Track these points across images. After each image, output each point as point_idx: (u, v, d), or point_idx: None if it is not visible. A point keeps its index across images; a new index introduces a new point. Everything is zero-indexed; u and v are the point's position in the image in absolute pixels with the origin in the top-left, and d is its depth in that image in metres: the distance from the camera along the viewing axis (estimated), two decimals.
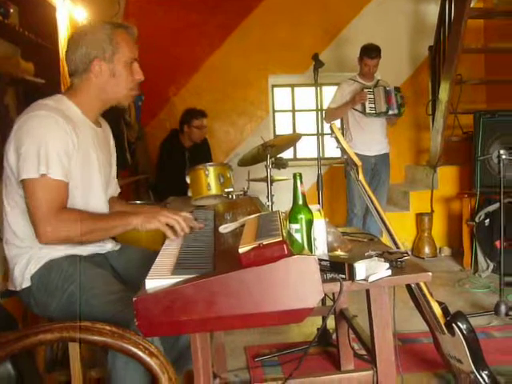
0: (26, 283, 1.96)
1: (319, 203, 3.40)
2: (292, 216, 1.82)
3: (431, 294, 2.29)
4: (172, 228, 1.96)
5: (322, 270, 1.64)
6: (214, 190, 3.92)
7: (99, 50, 2.00)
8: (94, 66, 2.01)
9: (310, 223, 1.83)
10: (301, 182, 1.86)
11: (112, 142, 2.34)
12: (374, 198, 2.15)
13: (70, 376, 2.09)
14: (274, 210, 4.11)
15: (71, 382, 2.08)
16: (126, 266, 2.21)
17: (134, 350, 1.46)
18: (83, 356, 2.10)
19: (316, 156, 3.62)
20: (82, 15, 3.94)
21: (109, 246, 2.19)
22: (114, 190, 2.40)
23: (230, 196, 3.74)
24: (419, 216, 5.54)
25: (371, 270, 1.70)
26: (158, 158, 5.28)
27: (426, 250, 5.46)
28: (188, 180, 3.99)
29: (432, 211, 5.44)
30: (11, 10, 2.90)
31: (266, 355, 3.08)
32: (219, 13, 6.25)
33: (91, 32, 2.02)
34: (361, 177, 2.13)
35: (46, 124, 1.90)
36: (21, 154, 1.87)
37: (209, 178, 3.91)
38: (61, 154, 1.90)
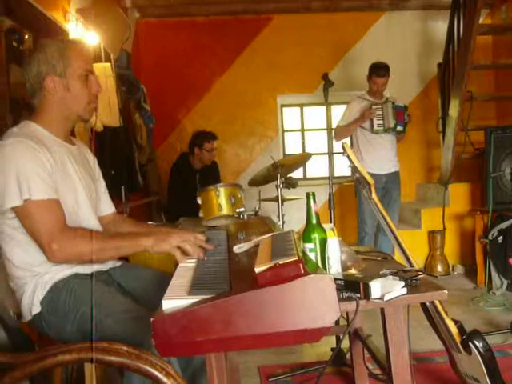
0: (36, 309, 1.95)
1: (331, 222, 3.39)
2: (306, 235, 1.83)
3: (446, 313, 2.28)
4: (183, 251, 1.93)
5: (337, 289, 1.64)
6: (225, 211, 3.93)
7: (50, 66, 1.98)
8: (48, 83, 1.99)
9: (323, 242, 1.83)
10: (314, 201, 1.87)
11: (92, 159, 2.32)
12: (387, 217, 2.15)
13: None
14: (285, 229, 4.12)
15: None
16: (133, 284, 2.19)
17: (151, 370, 1.46)
18: (98, 376, 2.11)
19: (325, 175, 3.64)
20: (94, 40, 4.00)
21: (110, 263, 2.17)
22: (109, 206, 2.37)
23: (242, 216, 3.75)
24: (431, 234, 5.52)
25: (386, 288, 1.70)
26: (168, 181, 5.31)
27: (439, 267, 5.43)
28: (199, 201, 4.01)
29: (444, 229, 5.41)
30: (26, 37, 2.95)
31: (280, 375, 3.07)
32: (228, 35, 6.34)
33: (40, 50, 2.00)
34: (374, 195, 2.13)
35: (17, 150, 1.88)
36: (0, 185, 1.86)
37: (220, 199, 3.93)
38: (41, 174, 1.88)
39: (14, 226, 1.93)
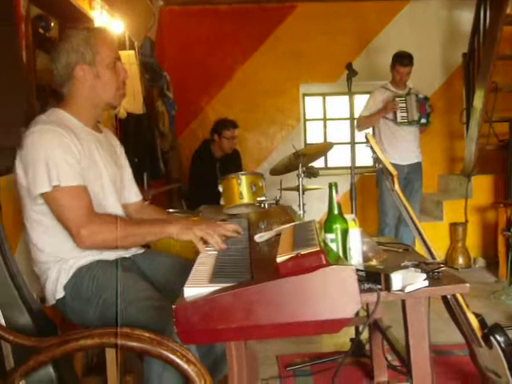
0: (60, 294, 1.99)
1: (352, 212, 3.38)
2: (327, 226, 1.82)
3: (467, 306, 2.26)
4: (206, 242, 1.94)
5: (358, 279, 1.64)
6: (246, 199, 3.94)
7: (79, 55, 2.01)
8: (78, 72, 2.02)
9: (345, 233, 1.83)
10: (336, 191, 1.86)
11: (118, 147, 2.35)
12: (409, 208, 2.13)
13: (105, 381, 2.13)
14: (306, 219, 4.12)
15: None
16: (155, 271, 2.21)
17: (172, 356, 1.48)
18: (119, 361, 2.14)
19: (347, 165, 3.61)
20: (119, 27, 4.02)
21: (133, 249, 2.20)
22: (135, 194, 2.40)
23: (262, 205, 3.76)
24: (453, 226, 5.47)
25: (408, 280, 1.70)
26: (190, 168, 5.33)
27: (460, 260, 5.39)
28: (220, 189, 4.02)
29: (466, 221, 5.36)
30: (52, 24, 2.97)
31: (298, 364, 3.08)
32: (251, 23, 6.32)
33: (68, 40, 2.03)
34: (396, 186, 2.12)
35: (46, 137, 1.92)
36: (29, 170, 1.90)
37: (241, 187, 3.93)
38: (69, 161, 1.91)
39: (43, 211, 1.96)
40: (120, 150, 2.35)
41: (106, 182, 2.10)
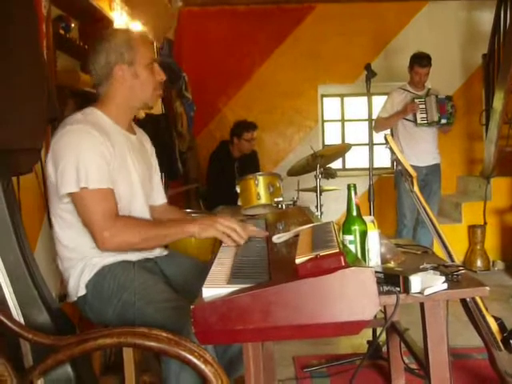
0: (82, 291, 2.01)
1: (370, 214, 3.37)
2: (346, 227, 1.81)
3: (487, 309, 2.24)
4: (229, 236, 1.96)
5: (377, 282, 1.63)
6: (263, 200, 3.93)
7: (118, 55, 2.02)
8: (117, 72, 2.03)
9: (363, 234, 1.82)
10: (355, 193, 1.85)
11: (151, 150, 2.36)
12: (429, 210, 2.12)
13: (122, 380, 2.14)
14: (323, 220, 4.11)
15: None
16: (175, 272, 2.22)
17: (190, 356, 1.48)
18: (136, 361, 2.15)
19: (365, 166, 3.60)
20: (139, 29, 4.04)
21: (157, 251, 2.21)
22: (162, 196, 2.41)
23: (280, 205, 3.75)
24: (472, 228, 5.42)
25: (427, 283, 1.68)
26: (208, 168, 5.35)
27: (479, 263, 5.34)
28: (238, 189, 4.02)
29: (485, 223, 5.31)
30: (72, 25, 3.00)
31: (315, 366, 3.08)
32: (269, 23, 6.31)
33: (107, 40, 2.04)
34: (415, 188, 2.10)
35: (80, 137, 1.94)
36: (59, 170, 1.92)
37: (258, 188, 3.93)
38: (99, 163, 1.93)
39: (68, 209, 1.98)
40: (151, 151, 2.37)
41: (135, 183, 2.12)
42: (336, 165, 5.59)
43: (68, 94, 3.09)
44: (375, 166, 6.08)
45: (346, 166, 6.74)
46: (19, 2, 2.29)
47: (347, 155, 6.04)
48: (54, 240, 2.08)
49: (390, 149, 2.15)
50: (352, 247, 1.79)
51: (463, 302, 2.31)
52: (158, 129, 4.56)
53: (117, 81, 2.05)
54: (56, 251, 2.08)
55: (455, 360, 3.03)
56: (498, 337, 2.23)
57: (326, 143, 6.76)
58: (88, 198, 1.91)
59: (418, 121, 4.75)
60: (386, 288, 1.66)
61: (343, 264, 1.32)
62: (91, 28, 3.45)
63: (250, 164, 5.19)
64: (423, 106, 4.75)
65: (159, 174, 2.41)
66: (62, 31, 2.93)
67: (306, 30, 6.35)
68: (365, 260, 1.80)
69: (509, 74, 5.02)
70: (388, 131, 5.10)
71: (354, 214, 1.83)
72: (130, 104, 2.12)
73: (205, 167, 5.54)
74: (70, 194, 1.92)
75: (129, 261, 2.05)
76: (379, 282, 1.67)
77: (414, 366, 2.76)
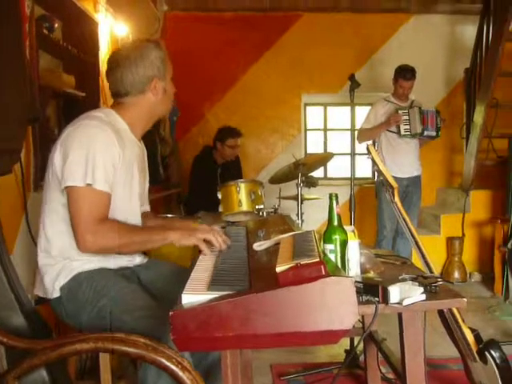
0: (56, 294, 1.99)
1: (351, 223, 3.38)
2: (327, 236, 1.82)
3: (463, 320, 2.26)
4: (209, 244, 1.98)
5: (356, 291, 1.63)
6: (244, 207, 3.93)
7: (155, 69, 2.07)
8: (154, 86, 2.08)
9: (344, 244, 1.82)
10: (337, 202, 1.86)
11: (146, 160, 2.38)
12: (409, 221, 2.13)
13: None
14: (304, 228, 4.11)
15: None
16: (153, 280, 2.22)
17: (167, 363, 1.47)
18: (112, 366, 2.13)
19: (346, 175, 3.62)
20: (123, 31, 4.03)
21: (138, 260, 2.21)
22: (146, 204, 2.42)
23: (261, 213, 3.75)
24: (450, 240, 5.47)
25: (405, 293, 1.69)
26: (190, 173, 5.33)
27: (456, 274, 5.38)
28: (219, 196, 4.01)
29: (463, 235, 5.37)
30: (56, 25, 2.97)
31: (292, 374, 3.07)
32: (255, 31, 6.32)
33: (145, 52, 2.06)
34: (396, 199, 2.12)
35: (96, 135, 1.94)
36: (68, 161, 1.91)
37: (240, 195, 3.92)
38: (107, 166, 1.93)
39: (64, 202, 1.96)
40: (146, 162, 2.39)
41: (135, 191, 2.14)
42: (318, 174, 5.61)
43: (50, 94, 3.06)
44: (357, 175, 6.13)
45: (328, 175, 6.76)
46: (2, 1, 2.26)
47: (329, 164, 6.07)
48: (39, 233, 2.05)
49: (372, 159, 2.16)
50: (332, 256, 1.80)
51: (440, 312, 2.33)
52: None
53: (150, 93, 2.09)
54: (38, 246, 2.05)
55: (431, 370, 3.05)
56: (474, 348, 2.25)
57: (308, 152, 6.77)
58: (87, 197, 1.90)
59: (402, 132, 4.79)
60: (365, 298, 1.66)
61: (324, 273, 1.32)
62: (75, 29, 3.43)
63: (233, 170, 5.19)
64: (406, 118, 4.79)
65: (148, 183, 2.41)
66: (45, 31, 2.90)
67: (291, 38, 6.37)
68: (345, 269, 1.81)
69: (490, 89, 5.09)
70: (370, 143, 5.14)
71: (335, 223, 1.83)
72: (153, 116, 2.18)
73: (187, 172, 5.52)
74: (70, 188, 1.90)
75: (108, 268, 2.04)
76: (358, 292, 1.68)
77: (390, 375, 2.76)
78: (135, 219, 2.16)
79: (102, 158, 1.92)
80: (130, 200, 2.11)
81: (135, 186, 2.14)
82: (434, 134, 4.83)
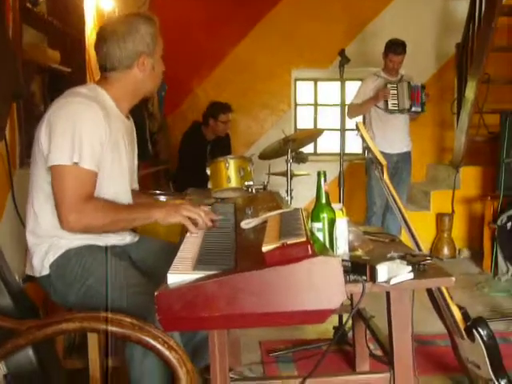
0: (45, 271, 1.97)
1: (340, 200, 3.37)
2: (315, 215, 1.80)
3: (452, 298, 2.26)
4: (194, 222, 1.95)
5: (344, 270, 1.63)
6: (233, 183, 3.91)
7: (145, 45, 2.03)
8: (141, 62, 2.03)
9: (332, 222, 1.81)
10: (325, 180, 1.84)
11: (135, 136, 2.35)
12: (398, 199, 2.12)
13: (87, 363, 2.12)
14: (293, 204, 4.11)
15: (88, 369, 2.10)
16: (144, 257, 2.21)
17: (153, 342, 1.47)
18: (101, 344, 2.12)
19: (336, 151, 3.60)
20: (109, 5, 3.95)
21: (128, 239, 2.19)
22: (135, 182, 2.40)
23: (250, 189, 3.73)
24: (439, 216, 5.48)
25: (393, 272, 1.69)
26: (179, 150, 5.28)
27: (445, 250, 5.41)
28: (208, 172, 3.99)
29: (453, 212, 5.37)
30: None
31: (281, 351, 3.08)
32: (244, 5, 6.22)
33: (135, 27, 2.01)
34: (385, 176, 2.11)
35: (83, 111, 1.91)
36: (54, 139, 1.87)
37: (229, 171, 3.91)
38: (94, 143, 1.90)
39: (50, 181, 1.92)
40: (135, 142, 2.35)
41: (123, 168, 2.11)
42: (307, 149, 5.58)
43: (35, 69, 3.00)
44: (347, 151, 6.13)
45: (318, 151, 6.74)
46: None
47: (319, 140, 6.04)
48: (26, 212, 2.03)
49: (361, 136, 2.14)
50: (320, 235, 1.78)
51: (428, 290, 2.34)
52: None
53: (137, 69, 2.05)
54: (27, 225, 2.03)
55: (419, 346, 3.07)
56: (462, 325, 2.26)
57: (298, 127, 6.74)
58: (72, 175, 1.87)
59: (390, 107, 4.76)
60: (352, 277, 1.66)
61: (310, 253, 1.31)
62: (60, 3, 3.35)
63: (223, 147, 5.15)
64: (395, 92, 4.76)
65: (137, 160, 2.38)
66: (29, 5, 2.83)
67: (281, 12, 6.28)
68: (332, 248, 1.80)
69: (481, 64, 5.05)
70: (360, 118, 5.11)
71: (323, 201, 1.82)
72: (139, 92, 2.14)
73: (176, 148, 5.48)
74: (56, 166, 1.87)
75: (97, 245, 2.02)
76: (346, 271, 1.67)
77: (378, 352, 2.78)
78: (125, 197, 2.13)
79: (88, 136, 1.88)
80: (119, 177, 2.09)
81: (124, 163, 2.11)
82: (419, 109, 4.80)
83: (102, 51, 2.03)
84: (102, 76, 2.11)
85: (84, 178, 1.89)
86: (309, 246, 1.31)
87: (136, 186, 2.40)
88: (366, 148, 2.18)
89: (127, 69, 2.04)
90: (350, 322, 2.81)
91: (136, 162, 2.37)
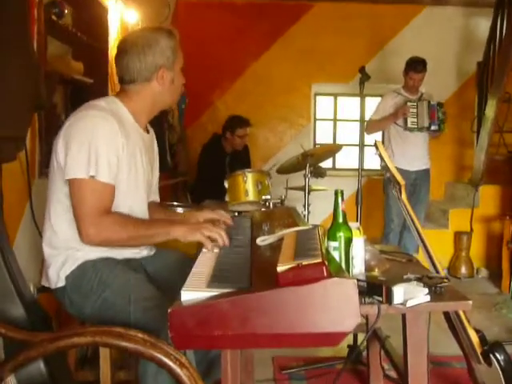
0: (61, 283, 1.97)
1: (358, 218, 3.35)
2: (331, 233, 1.79)
3: (469, 321, 2.23)
4: (213, 240, 1.93)
5: (359, 290, 1.61)
6: (251, 197, 3.91)
7: (165, 58, 2.03)
8: (161, 75, 2.04)
9: (348, 241, 1.80)
10: (342, 199, 1.83)
11: (156, 150, 2.35)
12: (416, 220, 2.10)
13: (99, 375, 2.11)
14: (310, 219, 4.10)
15: (100, 381, 2.10)
16: (160, 270, 2.20)
17: (165, 359, 1.45)
18: (113, 357, 2.12)
19: (355, 166, 3.58)
20: (133, 17, 3.99)
21: (145, 252, 2.19)
22: (154, 197, 2.39)
23: (267, 203, 3.72)
24: (458, 235, 5.43)
25: (409, 294, 1.67)
26: (198, 161, 5.29)
27: (463, 269, 5.35)
28: (226, 185, 3.99)
29: (471, 230, 5.32)
30: (66, 11, 2.94)
31: (294, 368, 3.06)
32: (267, 19, 6.26)
33: (155, 40, 2.02)
34: (403, 196, 2.08)
35: (99, 125, 1.91)
36: (71, 152, 1.88)
37: (247, 185, 3.91)
38: (110, 157, 1.91)
39: (67, 192, 1.94)
40: (157, 151, 2.35)
41: (140, 182, 2.11)
42: (326, 164, 5.58)
43: (57, 80, 3.03)
44: (366, 167, 6.11)
45: (336, 166, 6.72)
46: None
47: (338, 155, 6.03)
48: (44, 224, 2.04)
49: (380, 155, 2.13)
50: (336, 254, 1.77)
51: (445, 312, 2.30)
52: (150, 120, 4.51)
53: (156, 83, 2.05)
54: (44, 236, 2.03)
55: (434, 367, 3.03)
56: (478, 349, 2.21)
57: (317, 142, 6.73)
58: (90, 189, 1.87)
59: (409, 125, 4.73)
60: (368, 300, 1.64)
61: (325, 274, 1.29)
62: (85, 14, 3.40)
63: (242, 160, 5.16)
64: (414, 111, 4.73)
65: (158, 173, 2.38)
66: (54, 17, 2.87)
67: (302, 27, 6.31)
68: (348, 267, 1.78)
69: (502, 83, 5.01)
70: (379, 135, 5.10)
71: (340, 220, 1.81)
72: (157, 106, 2.14)
73: (195, 159, 5.49)
74: (74, 180, 1.88)
75: (113, 258, 2.02)
76: (362, 292, 1.66)
77: (393, 373, 2.74)
78: (141, 210, 2.13)
79: (105, 149, 1.89)
80: (135, 190, 2.08)
81: (140, 176, 2.10)
82: (437, 127, 4.76)
83: (122, 63, 2.04)
84: (121, 88, 2.12)
85: (102, 191, 1.89)
86: (324, 268, 1.30)
87: (156, 197, 2.40)
88: (384, 167, 2.16)
89: (146, 81, 2.04)
90: (365, 341, 2.78)
91: (157, 173, 2.36)
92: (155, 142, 2.34)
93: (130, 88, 2.07)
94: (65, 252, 1.98)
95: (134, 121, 2.08)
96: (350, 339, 3.21)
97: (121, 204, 2.00)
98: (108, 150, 1.90)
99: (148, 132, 2.22)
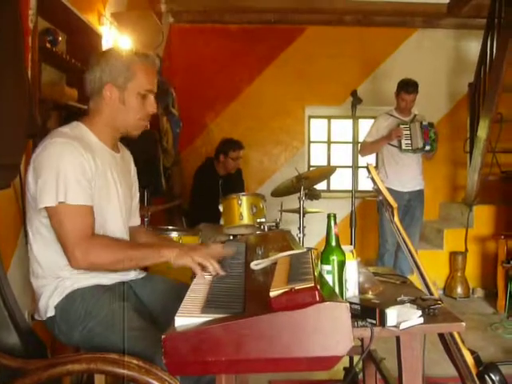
0: (51, 312, 1.96)
1: (352, 240, 3.36)
2: (324, 257, 1.80)
3: (463, 342, 2.23)
4: (203, 267, 1.92)
5: (353, 314, 1.62)
6: (246, 220, 3.93)
7: (112, 75, 2.00)
8: (106, 91, 2.01)
9: (342, 264, 1.81)
10: (335, 222, 1.84)
11: (133, 170, 2.33)
12: (409, 242, 2.11)
13: None
14: (305, 241, 4.11)
15: None
16: (150, 295, 2.19)
17: None
18: (108, 383, 2.11)
19: (349, 188, 3.59)
20: (127, 44, 4.03)
21: (132, 274, 2.18)
22: (136, 218, 2.37)
23: (262, 226, 3.73)
24: (453, 255, 5.44)
25: (403, 316, 1.67)
26: (192, 185, 5.31)
27: (459, 289, 5.35)
28: (221, 208, 4.01)
29: (466, 250, 5.33)
30: (60, 38, 2.98)
31: None
32: (259, 43, 6.35)
33: (109, 57, 2.03)
34: (396, 219, 2.10)
35: (63, 151, 1.90)
36: (40, 180, 1.88)
37: (241, 208, 3.93)
38: (80, 180, 1.90)
39: (47, 225, 1.94)
40: (134, 172, 2.34)
41: (115, 202, 2.09)
42: (320, 186, 5.61)
43: (51, 106, 3.06)
44: (360, 188, 6.15)
45: (331, 188, 6.75)
46: (4, 14, 2.26)
47: (332, 176, 6.06)
48: (29, 256, 2.03)
49: (372, 179, 2.15)
50: (329, 277, 1.78)
51: (440, 333, 2.30)
52: (142, 145, 4.53)
53: (104, 99, 2.03)
54: (31, 268, 2.02)
55: None
56: (474, 371, 2.22)
57: (311, 164, 6.77)
58: (64, 214, 1.86)
59: (403, 147, 4.77)
60: (361, 323, 1.64)
61: (318, 299, 1.30)
62: (79, 42, 3.44)
63: (235, 182, 5.18)
64: (408, 132, 4.77)
65: (138, 195, 2.37)
66: (48, 45, 2.91)
67: (295, 51, 6.39)
68: (342, 291, 1.79)
69: (494, 104, 5.07)
70: (372, 156, 5.13)
71: (333, 243, 1.81)
72: (113, 125, 2.08)
73: (189, 183, 5.51)
74: (47, 209, 1.88)
75: (102, 285, 2.01)
76: (355, 314, 1.66)
77: None
78: (119, 232, 2.10)
79: (72, 173, 1.88)
80: (107, 213, 2.05)
81: (113, 199, 2.08)
82: (429, 148, 4.79)
83: (84, 79, 2.06)
84: (85, 111, 2.13)
85: (76, 213, 1.88)
86: (316, 292, 1.31)
87: (137, 221, 2.37)
88: (377, 190, 2.18)
89: (97, 98, 2.04)
90: (361, 363, 2.77)
91: (137, 195, 2.35)
92: (131, 161, 2.33)
93: (90, 107, 2.08)
94: (53, 281, 1.97)
95: (99, 141, 2.06)
96: (345, 362, 3.20)
97: (96, 228, 1.96)
98: (76, 174, 1.89)
99: (119, 151, 2.20)
